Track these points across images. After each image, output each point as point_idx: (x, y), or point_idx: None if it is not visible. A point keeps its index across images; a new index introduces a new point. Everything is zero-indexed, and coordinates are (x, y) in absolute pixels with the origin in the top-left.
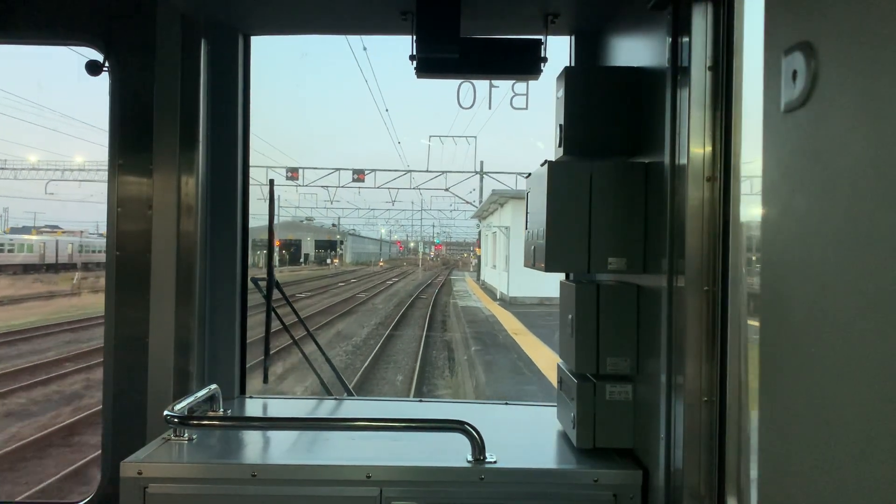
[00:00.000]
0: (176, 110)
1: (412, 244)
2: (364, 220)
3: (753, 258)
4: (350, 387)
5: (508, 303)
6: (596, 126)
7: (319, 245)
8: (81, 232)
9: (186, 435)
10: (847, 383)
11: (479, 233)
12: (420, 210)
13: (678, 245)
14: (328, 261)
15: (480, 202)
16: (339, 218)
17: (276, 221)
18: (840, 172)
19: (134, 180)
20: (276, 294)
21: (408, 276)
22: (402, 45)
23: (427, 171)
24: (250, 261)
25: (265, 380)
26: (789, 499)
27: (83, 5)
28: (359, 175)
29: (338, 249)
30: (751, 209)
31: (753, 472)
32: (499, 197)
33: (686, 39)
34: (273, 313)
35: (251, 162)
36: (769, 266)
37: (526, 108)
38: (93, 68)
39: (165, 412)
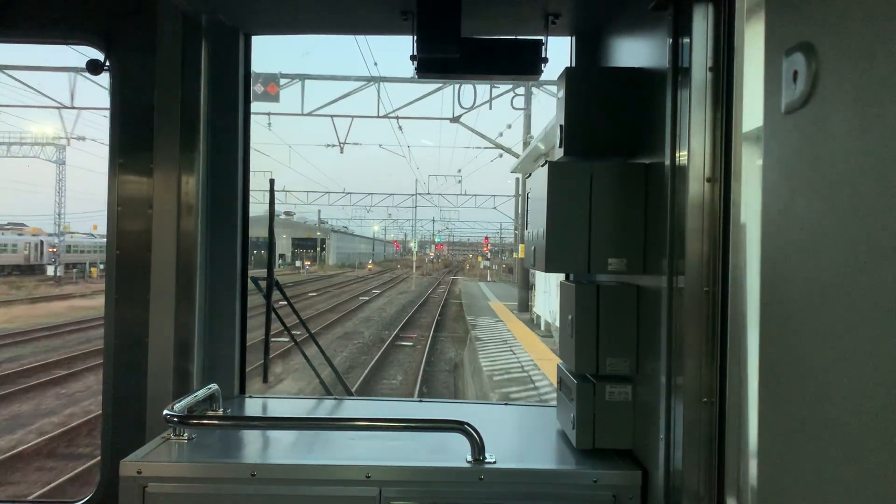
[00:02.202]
0: (176, 109)
1: (411, 244)
2: (345, 212)
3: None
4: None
5: None
6: (596, 126)
7: (297, 244)
8: None
9: (186, 434)
10: (847, 384)
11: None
12: (414, 195)
13: (678, 246)
14: (297, 263)
15: (528, 139)
16: (319, 211)
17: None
18: (841, 173)
19: (134, 179)
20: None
21: (397, 283)
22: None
23: (409, 80)
24: None
25: (265, 379)
26: (789, 500)
27: (84, 4)
28: (267, 87)
29: (318, 249)
30: (751, 210)
31: (753, 473)
32: None
33: (687, 40)
34: (273, 313)
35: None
36: (769, 267)
37: (526, 108)
38: (93, 67)
39: (165, 411)
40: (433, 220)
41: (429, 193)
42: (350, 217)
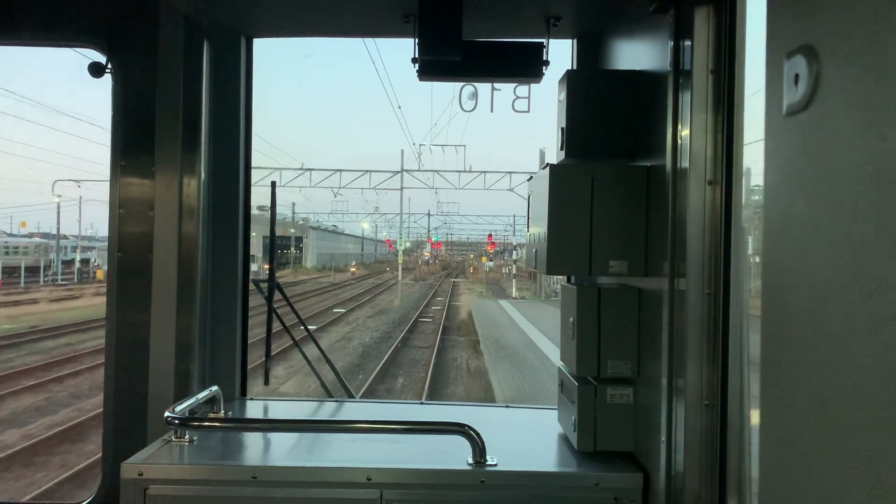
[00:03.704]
0: (178, 112)
1: (407, 244)
2: (311, 198)
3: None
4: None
5: None
6: (598, 129)
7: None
8: None
9: (187, 436)
10: (849, 386)
11: None
12: (400, 171)
13: (679, 248)
14: (255, 267)
15: None
16: (293, 204)
17: None
18: (842, 175)
19: (136, 182)
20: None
21: (379, 293)
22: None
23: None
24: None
25: (266, 381)
26: (790, 502)
27: (86, 7)
28: None
29: (293, 249)
30: (752, 212)
31: (754, 476)
32: None
33: (688, 43)
34: (274, 314)
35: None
36: (771, 269)
37: (528, 111)
38: (95, 69)
39: (166, 413)
40: (428, 215)
41: (420, 170)
42: (330, 211)
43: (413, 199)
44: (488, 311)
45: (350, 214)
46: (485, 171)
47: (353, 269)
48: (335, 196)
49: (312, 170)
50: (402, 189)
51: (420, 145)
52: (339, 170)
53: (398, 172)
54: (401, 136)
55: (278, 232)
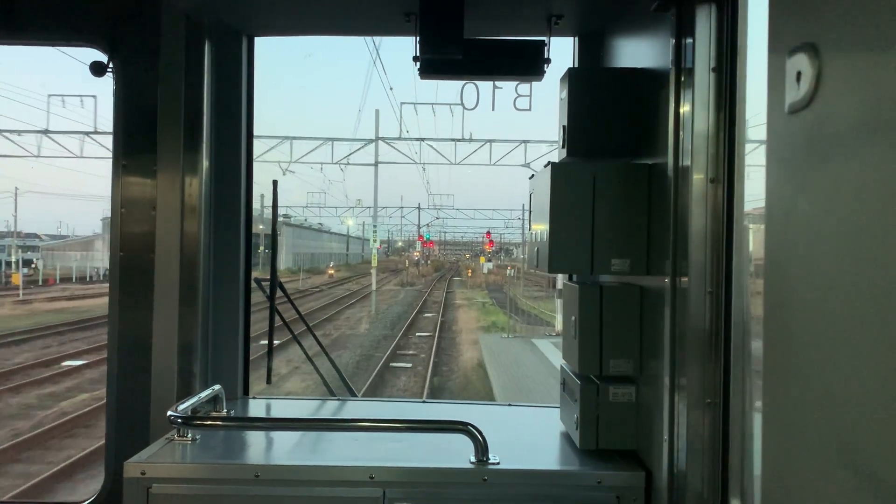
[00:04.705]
0: (180, 111)
1: (399, 243)
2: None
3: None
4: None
5: None
6: (599, 127)
7: None
8: None
9: (190, 435)
10: (851, 385)
11: None
12: (374, 140)
13: (681, 247)
14: None
15: None
16: (262, 196)
17: None
18: (844, 174)
19: (138, 181)
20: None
21: (348, 306)
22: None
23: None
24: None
25: (268, 380)
26: (792, 501)
27: (88, 6)
28: None
29: (262, 248)
30: (754, 210)
31: (756, 474)
32: None
33: (690, 41)
34: (276, 314)
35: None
36: (773, 268)
37: (529, 110)
38: (97, 69)
39: (169, 412)
40: (418, 208)
41: (401, 138)
42: (305, 205)
43: (406, 195)
44: (530, 392)
45: (328, 209)
46: (490, 140)
47: (330, 272)
48: (284, 173)
49: (260, 137)
50: (376, 164)
51: (402, 103)
52: (287, 137)
53: (372, 141)
54: (381, 95)
55: None
